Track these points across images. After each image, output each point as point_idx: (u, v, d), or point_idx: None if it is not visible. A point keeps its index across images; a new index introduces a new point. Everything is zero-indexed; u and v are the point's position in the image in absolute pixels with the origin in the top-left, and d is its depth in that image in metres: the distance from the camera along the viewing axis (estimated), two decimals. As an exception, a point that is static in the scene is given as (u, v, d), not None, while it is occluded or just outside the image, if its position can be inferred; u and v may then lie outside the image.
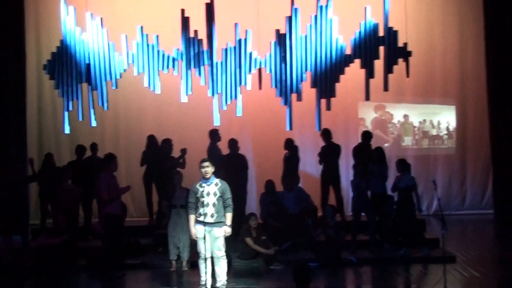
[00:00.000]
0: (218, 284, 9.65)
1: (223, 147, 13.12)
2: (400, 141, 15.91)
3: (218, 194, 9.48)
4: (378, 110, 15.83)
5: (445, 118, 16.01)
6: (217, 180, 9.59)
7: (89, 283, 10.90)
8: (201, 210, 9.43)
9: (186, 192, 10.48)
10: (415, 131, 15.97)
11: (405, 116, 15.92)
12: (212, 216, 9.46)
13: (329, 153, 13.27)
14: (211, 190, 9.48)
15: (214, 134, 13.02)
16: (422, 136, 16.00)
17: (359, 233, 12.21)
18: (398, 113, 15.93)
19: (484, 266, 11.03)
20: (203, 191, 9.47)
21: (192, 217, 9.62)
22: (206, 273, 9.47)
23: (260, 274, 11.09)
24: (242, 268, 11.27)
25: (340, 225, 12.09)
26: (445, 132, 16.03)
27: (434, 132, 16.02)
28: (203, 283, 9.51)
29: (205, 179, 9.53)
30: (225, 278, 9.68)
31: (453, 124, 15.97)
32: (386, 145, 15.61)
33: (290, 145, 13.30)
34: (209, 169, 9.52)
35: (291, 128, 10.95)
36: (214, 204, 9.47)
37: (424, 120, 15.97)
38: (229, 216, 9.54)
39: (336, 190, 13.47)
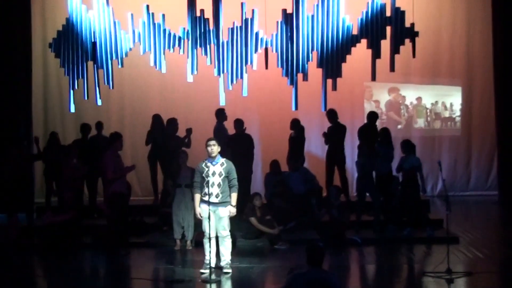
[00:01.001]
0: (222, 263, 9.70)
1: (229, 127, 13.12)
2: (412, 123, 15.87)
3: (224, 174, 9.49)
4: (392, 92, 15.80)
5: (458, 100, 15.94)
6: (222, 160, 9.59)
7: (95, 261, 10.95)
8: (206, 190, 9.44)
9: (191, 172, 10.51)
10: (427, 113, 15.92)
11: (418, 99, 15.86)
12: (217, 196, 9.48)
13: (335, 134, 13.25)
14: (217, 170, 9.49)
15: (220, 114, 13.01)
16: (434, 118, 15.96)
17: (363, 214, 12.25)
18: (411, 95, 15.87)
19: (488, 247, 11.06)
20: (208, 171, 9.48)
21: (197, 196, 9.64)
22: (210, 252, 9.51)
23: (264, 253, 11.14)
24: (246, 248, 11.31)
25: (345, 205, 12.11)
26: (458, 114, 15.96)
27: (446, 114, 15.97)
28: (207, 262, 9.54)
29: (211, 159, 9.54)
30: (229, 257, 9.73)
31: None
32: (399, 127, 15.64)
33: (296, 125, 13.28)
34: (215, 147, 9.52)
35: (296, 108, 10.94)
36: (219, 184, 9.48)
37: (436, 101, 15.92)
38: (234, 196, 9.56)
39: (341, 171, 13.48)
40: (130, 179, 12.89)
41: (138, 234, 11.89)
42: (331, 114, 13.12)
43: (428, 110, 15.93)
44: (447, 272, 9.27)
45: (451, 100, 15.93)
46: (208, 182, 9.43)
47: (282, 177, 12.76)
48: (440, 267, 9.49)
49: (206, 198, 9.45)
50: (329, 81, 10.78)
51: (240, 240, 11.43)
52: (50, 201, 13.17)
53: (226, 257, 9.70)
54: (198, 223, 10.41)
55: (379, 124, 13.38)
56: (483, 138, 15.87)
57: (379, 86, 15.37)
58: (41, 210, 12.89)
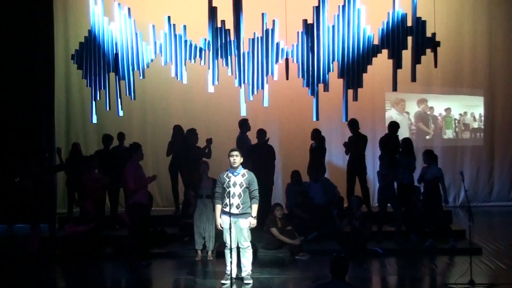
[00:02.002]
0: (243, 274, 9.70)
1: (252, 137, 13.14)
2: (442, 133, 15.78)
3: (244, 185, 9.49)
4: (421, 104, 15.74)
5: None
6: (244, 171, 9.60)
7: (116, 272, 10.97)
8: (227, 201, 9.44)
9: (213, 182, 10.52)
10: (455, 124, 15.84)
11: (447, 109, 15.78)
12: (237, 207, 9.47)
13: (356, 144, 13.22)
14: (238, 180, 9.50)
15: (243, 124, 13.04)
16: (463, 129, 15.86)
17: (385, 224, 12.19)
18: (440, 106, 15.79)
19: (511, 258, 10.95)
20: (229, 181, 9.48)
21: (218, 207, 9.65)
22: (231, 263, 9.50)
23: (285, 264, 11.11)
24: (268, 258, 11.30)
25: (366, 216, 12.06)
26: (488, 124, 15.91)
27: (475, 125, 15.86)
28: (228, 272, 9.54)
29: (232, 169, 9.54)
30: (250, 268, 9.73)
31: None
32: (427, 137, 15.62)
33: (317, 135, 13.27)
34: (237, 158, 9.53)
35: (317, 118, 10.90)
36: (240, 195, 9.48)
37: (465, 112, 15.82)
38: (254, 208, 9.55)
39: (362, 181, 13.42)
40: (151, 190, 12.95)
41: (159, 245, 11.92)
42: (352, 124, 13.09)
43: (456, 121, 15.84)
44: (470, 284, 9.21)
45: (479, 111, 15.80)
46: (229, 192, 9.44)
47: (303, 188, 12.75)
48: (462, 279, 9.42)
49: (227, 209, 9.46)
50: (350, 92, 10.74)
51: (261, 251, 11.41)
52: (72, 211, 13.26)
53: (247, 268, 9.69)
54: (219, 233, 10.41)
55: (409, 135, 13.32)
56: (505, 148, 15.78)
57: (409, 98, 15.35)
58: (63, 221, 12.97)
